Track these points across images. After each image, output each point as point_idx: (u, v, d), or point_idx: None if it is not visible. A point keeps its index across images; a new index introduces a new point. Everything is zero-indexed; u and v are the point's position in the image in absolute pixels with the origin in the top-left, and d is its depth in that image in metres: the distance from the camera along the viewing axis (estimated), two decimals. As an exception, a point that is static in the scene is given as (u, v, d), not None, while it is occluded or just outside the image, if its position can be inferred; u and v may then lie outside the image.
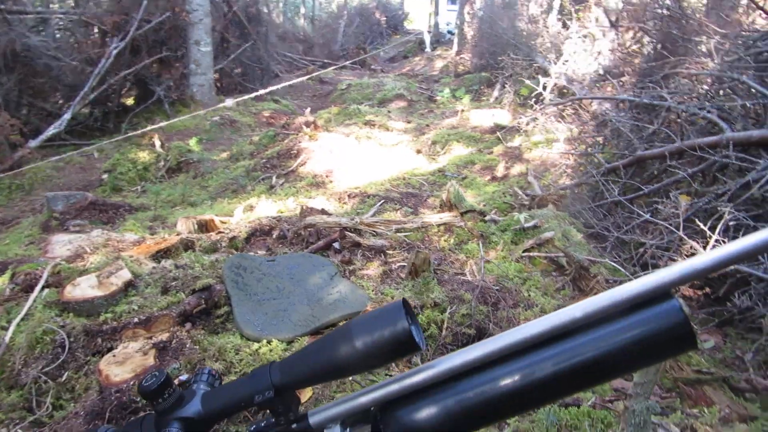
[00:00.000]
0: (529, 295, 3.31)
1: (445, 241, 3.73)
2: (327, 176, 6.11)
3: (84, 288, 2.76)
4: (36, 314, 2.64)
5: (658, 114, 3.98)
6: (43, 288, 2.91)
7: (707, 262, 0.80)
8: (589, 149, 4.45)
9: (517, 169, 6.33)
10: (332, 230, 3.67)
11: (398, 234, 3.70)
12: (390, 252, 3.58)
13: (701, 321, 3.33)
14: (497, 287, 3.28)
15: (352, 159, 6.46)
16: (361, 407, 1.22)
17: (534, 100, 7.17)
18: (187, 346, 2.59)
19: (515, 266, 3.59)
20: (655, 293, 0.92)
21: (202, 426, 1.16)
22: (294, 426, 1.21)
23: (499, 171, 6.32)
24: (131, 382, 2.33)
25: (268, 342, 2.68)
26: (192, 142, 7.19)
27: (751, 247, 0.73)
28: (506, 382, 1.08)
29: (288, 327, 2.84)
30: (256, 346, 2.66)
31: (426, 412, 1.16)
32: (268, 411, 1.23)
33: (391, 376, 2.31)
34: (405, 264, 3.41)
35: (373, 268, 3.44)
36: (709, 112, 3.58)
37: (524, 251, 3.72)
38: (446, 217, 3.85)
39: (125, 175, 6.26)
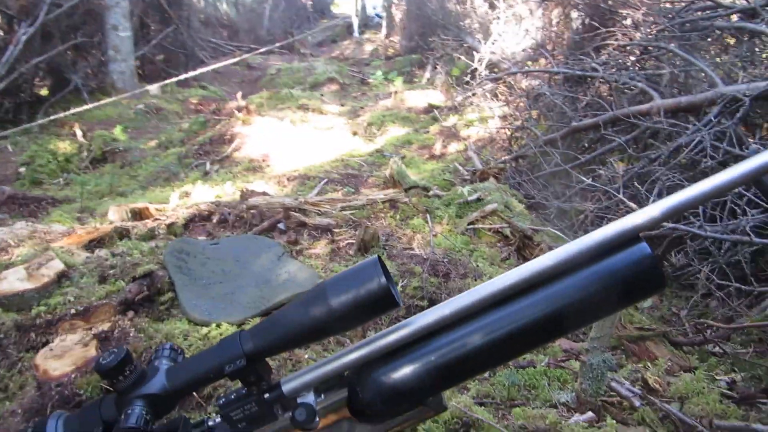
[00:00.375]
0: (477, 266, 3.35)
1: (391, 217, 3.70)
2: (263, 160, 5.96)
3: (12, 281, 2.55)
4: (-42, 312, 2.42)
5: (590, 86, 4.11)
6: (-37, 285, 2.67)
7: (675, 203, 0.81)
8: (524, 123, 4.54)
9: (455, 147, 6.39)
10: (276, 211, 3.57)
11: (344, 212, 3.65)
12: (336, 230, 3.52)
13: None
14: (446, 259, 3.29)
15: (289, 143, 6.32)
16: (334, 372, 1.15)
17: (468, 77, 7.25)
18: (131, 334, 2.44)
19: (462, 239, 3.62)
20: (624, 238, 0.91)
21: (167, 402, 1.07)
22: (266, 396, 1.13)
23: (437, 149, 6.37)
24: (72, 375, 2.18)
25: (218, 325, 2.57)
26: (117, 131, 6.81)
27: (711, 189, 0.74)
28: (483, 335, 1.05)
29: (237, 309, 2.73)
30: (205, 330, 2.54)
31: (402, 372, 1.11)
32: (238, 382, 1.15)
33: (344, 345, 2.28)
34: (353, 241, 3.36)
35: (321, 247, 3.37)
36: (639, 81, 3.73)
37: (469, 224, 3.76)
38: (391, 193, 3.83)
39: (45, 167, 5.86)
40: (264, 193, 3.97)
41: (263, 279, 2.99)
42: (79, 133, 6.33)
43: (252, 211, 3.55)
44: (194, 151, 6.21)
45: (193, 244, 3.08)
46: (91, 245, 3.16)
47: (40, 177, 5.76)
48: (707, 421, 1.85)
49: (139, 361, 2.28)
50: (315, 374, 1.13)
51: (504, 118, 5.81)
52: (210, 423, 1.14)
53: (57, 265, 2.68)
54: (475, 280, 3.18)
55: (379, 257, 1.00)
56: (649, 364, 2.53)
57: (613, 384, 1.98)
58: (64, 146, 6.09)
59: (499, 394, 1.98)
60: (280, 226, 3.51)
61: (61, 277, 2.65)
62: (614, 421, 1.52)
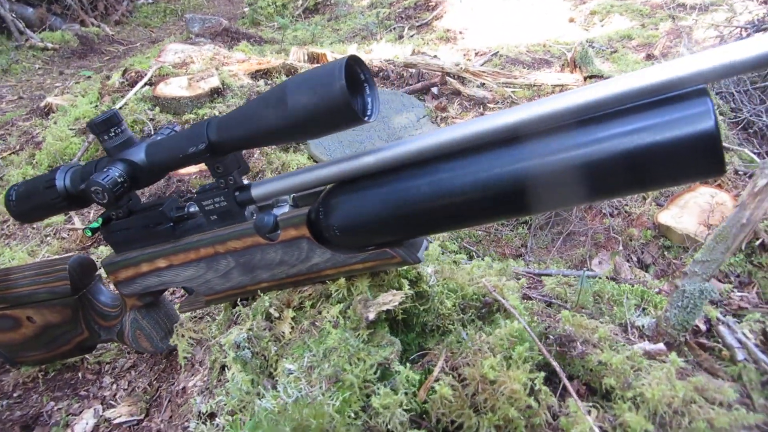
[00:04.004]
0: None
1: (556, 103, 3.34)
2: (461, 32, 5.71)
3: (174, 87, 2.86)
4: (130, 104, 2.80)
5: None
6: (145, 85, 3.07)
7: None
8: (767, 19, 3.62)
9: (679, 49, 5.45)
10: (434, 74, 3.43)
11: (505, 88, 3.37)
12: (491, 105, 3.29)
13: None
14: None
15: (494, 19, 5.95)
16: (306, 185, 1.07)
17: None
18: (255, 155, 2.62)
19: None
20: (687, 83, 0.68)
21: (146, 175, 1.10)
22: (237, 194, 1.12)
23: (658, 48, 5.48)
24: (194, 176, 2.43)
25: (334, 166, 2.64)
26: (333, -16, 7.02)
27: None
28: (494, 171, 0.85)
29: (359, 157, 2.77)
30: (320, 167, 2.63)
31: (363, 201, 0.98)
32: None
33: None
34: (501, 118, 3.12)
35: (468, 119, 3.19)
36: None
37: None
38: (565, 78, 3.42)
39: (264, 9, 6.33)
40: (435, 57, 3.82)
41: (395, 135, 2.96)
42: (299, -19, 6.65)
43: (411, 69, 3.45)
44: (397, 14, 6.17)
45: (339, 89, 3.12)
46: (257, 75, 3.38)
47: (259, 18, 6.25)
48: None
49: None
50: (284, 183, 1.07)
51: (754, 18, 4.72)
52: (191, 209, 1.18)
53: (214, 82, 2.92)
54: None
55: (354, 57, 0.86)
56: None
57: (722, 328, 1.63)
58: (283, -8, 6.47)
59: (572, 298, 1.74)
60: (434, 90, 3.38)
61: (214, 93, 2.90)
62: (679, 360, 1.23)
